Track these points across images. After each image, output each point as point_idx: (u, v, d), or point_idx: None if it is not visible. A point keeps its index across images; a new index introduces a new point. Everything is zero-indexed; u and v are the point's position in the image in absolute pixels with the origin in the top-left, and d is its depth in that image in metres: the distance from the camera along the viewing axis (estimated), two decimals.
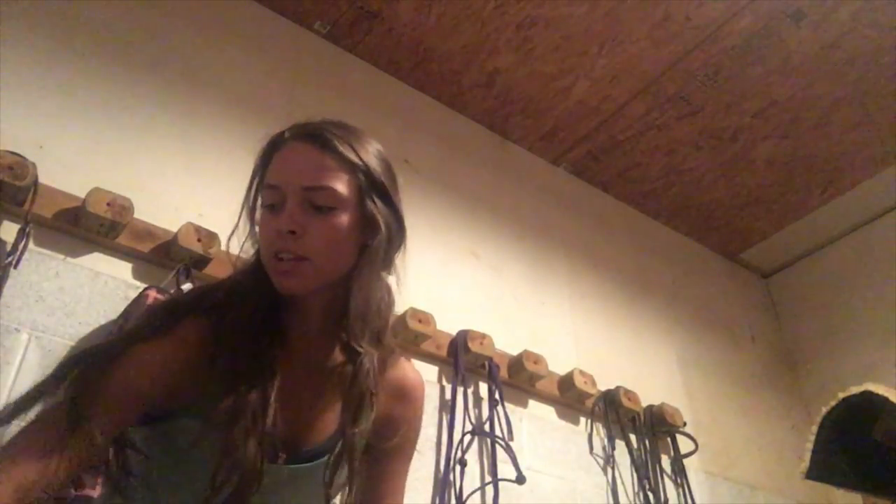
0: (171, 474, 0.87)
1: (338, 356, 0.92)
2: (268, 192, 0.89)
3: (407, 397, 1.01)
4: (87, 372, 0.77)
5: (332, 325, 0.91)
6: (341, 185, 0.87)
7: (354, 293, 0.88)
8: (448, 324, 1.94)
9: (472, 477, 1.78)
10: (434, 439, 1.80)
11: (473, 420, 1.88)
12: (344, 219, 0.87)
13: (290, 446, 0.88)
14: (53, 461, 0.71)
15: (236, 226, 0.93)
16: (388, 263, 0.94)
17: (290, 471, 0.88)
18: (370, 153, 0.92)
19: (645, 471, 2.12)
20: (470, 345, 1.91)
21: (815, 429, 1.48)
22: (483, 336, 1.95)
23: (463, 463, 1.76)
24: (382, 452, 0.98)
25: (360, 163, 0.89)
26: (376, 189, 0.91)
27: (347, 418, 0.88)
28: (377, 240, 0.89)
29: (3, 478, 0.68)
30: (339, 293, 0.89)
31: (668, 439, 2.27)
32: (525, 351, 2.03)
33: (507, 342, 2.05)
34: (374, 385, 0.89)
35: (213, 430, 0.81)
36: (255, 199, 0.93)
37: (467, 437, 1.81)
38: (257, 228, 0.92)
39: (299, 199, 0.86)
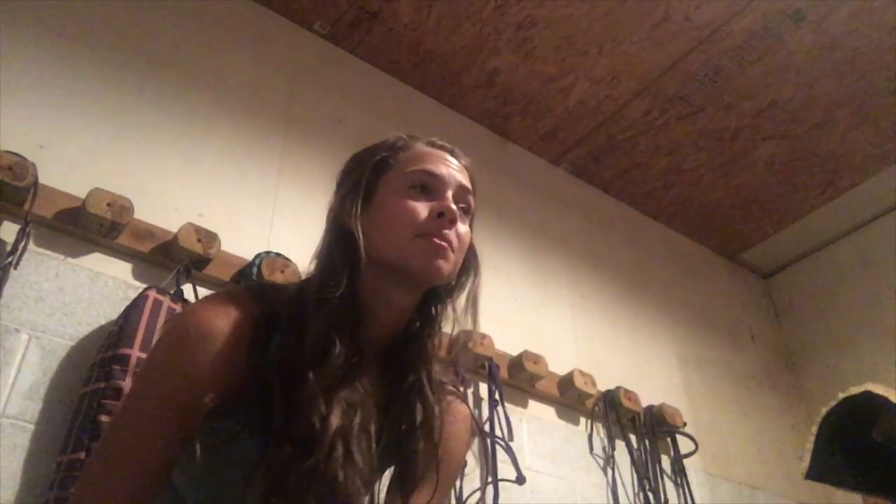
0: (205, 480, 0.81)
1: (394, 372, 0.89)
2: (423, 176, 0.87)
3: (456, 432, 0.99)
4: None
5: (397, 337, 0.89)
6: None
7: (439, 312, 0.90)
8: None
9: (471, 477, 1.77)
10: None
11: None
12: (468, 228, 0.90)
13: None
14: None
15: (357, 205, 0.86)
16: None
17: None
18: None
19: (645, 471, 2.12)
20: (470, 345, 1.90)
21: (814, 429, 1.47)
22: (483, 336, 1.95)
23: (463, 463, 1.75)
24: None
25: (473, 189, 0.93)
26: (472, 217, 0.94)
27: (420, 432, 0.86)
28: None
29: None
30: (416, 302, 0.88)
31: (668, 439, 2.27)
32: (525, 351, 2.03)
33: (507, 342, 2.05)
34: (438, 406, 0.89)
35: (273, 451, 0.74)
36: (366, 183, 0.88)
37: None
38: (355, 220, 0.85)
39: (454, 194, 0.87)
